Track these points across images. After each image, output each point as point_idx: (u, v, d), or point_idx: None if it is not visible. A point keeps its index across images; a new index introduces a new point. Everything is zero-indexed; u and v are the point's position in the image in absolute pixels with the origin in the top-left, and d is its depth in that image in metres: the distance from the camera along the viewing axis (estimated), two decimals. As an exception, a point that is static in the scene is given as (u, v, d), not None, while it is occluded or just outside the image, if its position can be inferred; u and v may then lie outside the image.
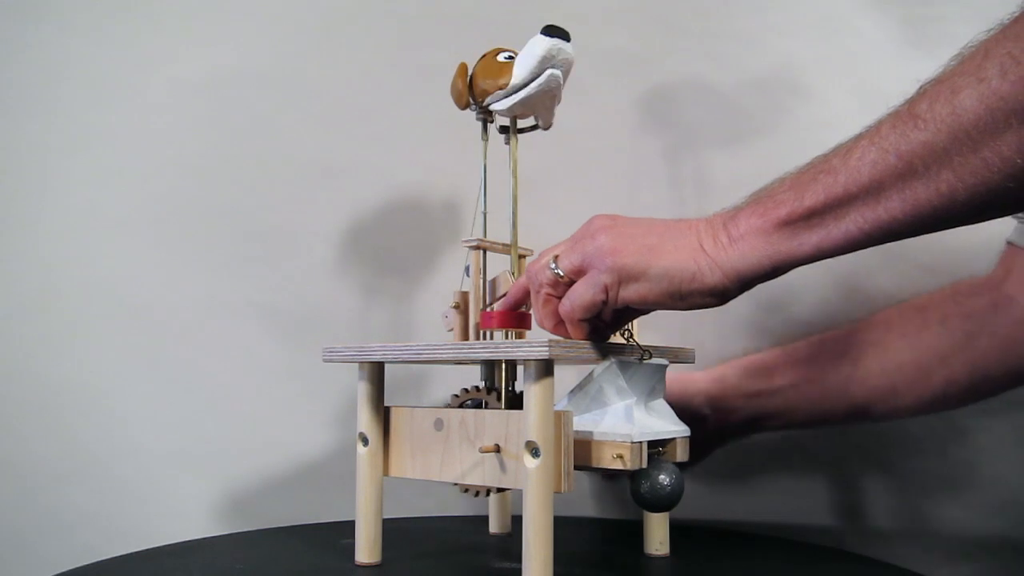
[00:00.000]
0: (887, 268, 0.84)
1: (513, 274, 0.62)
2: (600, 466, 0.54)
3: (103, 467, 0.87)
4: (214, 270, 0.90)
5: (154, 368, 0.89)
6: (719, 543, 0.75)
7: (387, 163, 0.91)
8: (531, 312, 0.58)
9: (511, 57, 0.59)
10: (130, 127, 0.91)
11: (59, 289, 0.89)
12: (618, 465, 0.53)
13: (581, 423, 0.55)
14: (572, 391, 0.57)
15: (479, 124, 0.63)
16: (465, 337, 0.61)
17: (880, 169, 0.44)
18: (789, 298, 0.86)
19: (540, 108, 0.60)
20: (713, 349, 0.82)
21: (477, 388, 0.62)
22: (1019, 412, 0.82)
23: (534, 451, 0.51)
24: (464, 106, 0.61)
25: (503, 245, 0.62)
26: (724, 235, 0.49)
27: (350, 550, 0.61)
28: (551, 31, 0.57)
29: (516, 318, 0.58)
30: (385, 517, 0.61)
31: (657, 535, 0.65)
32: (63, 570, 0.60)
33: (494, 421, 0.54)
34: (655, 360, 0.57)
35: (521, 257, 0.63)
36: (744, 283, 0.49)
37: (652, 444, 0.55)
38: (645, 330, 0.62)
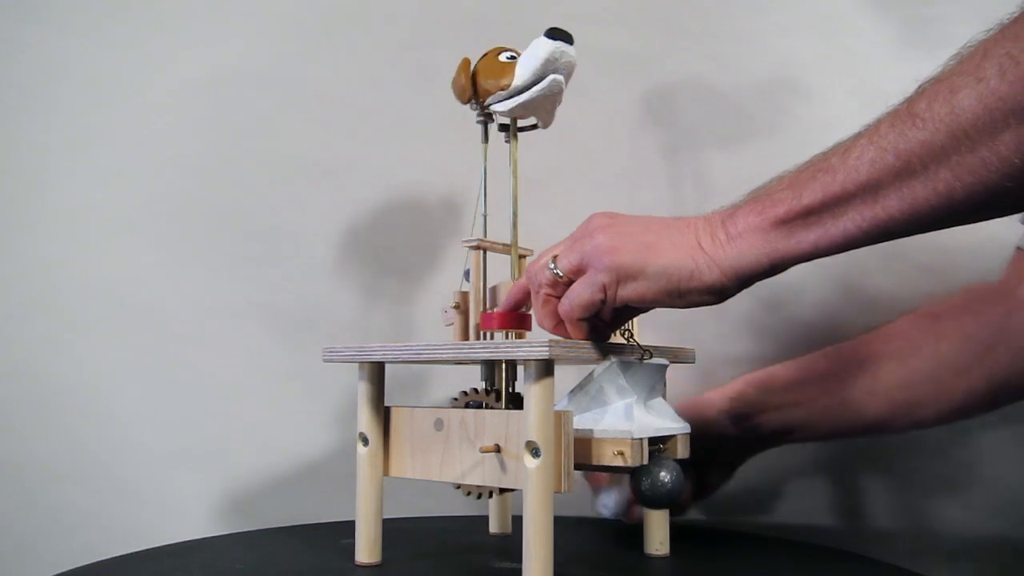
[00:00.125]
0: (887, 268, 0.84)
1: (513, 278, 0.62)
2: (601, 463, 0.54)
3: (103, 467, 0.87)
4: (214, 270, 0.90)
5: (154, 368, 0.89)
6: (719, 543, 0.75)
7: (387, 163, 0.91)
8: (531, 313, 0.58)
9: (513, 57, 0.59)
10: (130, 127, 0.91)
11: (59, 289, 0.89)
12: (619, 462, 0.53)
13: (581, 422, 0.55)
14: (572, 391, 0.57)
15: (478, 123, 0.63)
16: (465, 337, 0.61)
17: (878, 168, 0.44)
18: (789, 298, 0.86)
19: (541, 110, 0.60)
20: (713, 349, 0.82)
21: (476, 391, 0.62)
22: (1019, 413, 0.82)
23: (534, 451, 0.51)
24: (466, 101, 0.61)
25: (503, 245, 0.62)
26: (722, 233, 0.49)
27: (350, 550, 0.61)
28: (554, 34, 0.57)
29: (516, 319, 0.58)
30: (385, 517, 0.61)
31: (657, 535, 0.65)
32: (63, 570, 0.60)
33: (494, 421, 0.54)
34: (655, 360, 0.57)
35: (521, 257, 0.63)
36: (742, 281, 0.49)
37: (653, 441, 0.55)
38: (645, 330, 0.62)
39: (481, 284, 0.61)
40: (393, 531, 0.62)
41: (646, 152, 0.89)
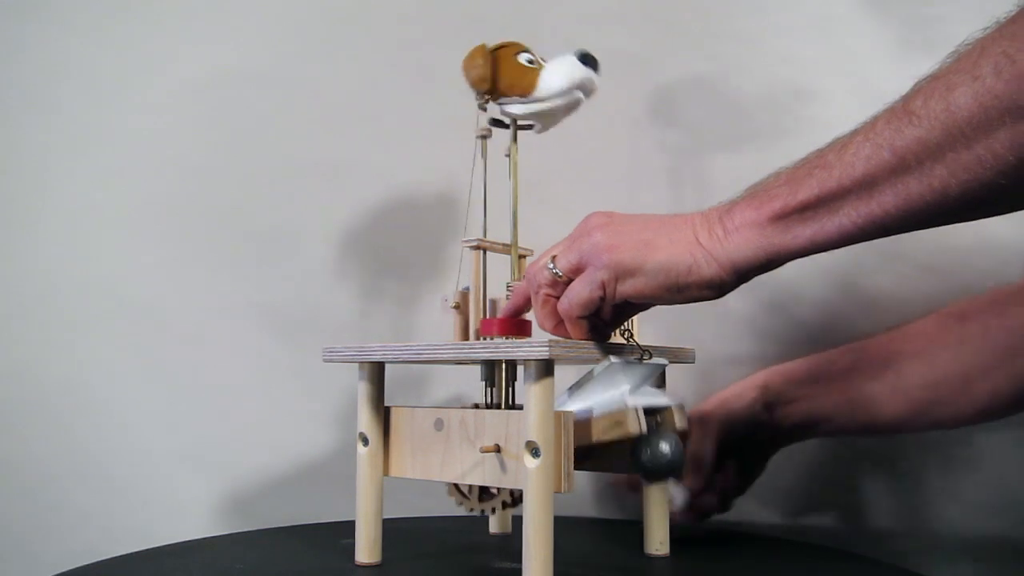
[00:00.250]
0: (886, 268, 0.84)
1: (513, 278, 0.62)
2: (602, 440, 0.55)
3: (103, 467, 0.87)
4: (214, 270, 0.90)
5: (154, 368, 0.89)
6: (719, 543, 0.75)
7: (387, 163, 0.91)
8: (531, 320, 0.59)
9: (532, 61, 0.59)
10: (130, 127, 0.91)
11: (59, 289, 0.89)
12: (618, 433, 0.53)
13: (580, 413, 0.56)
14: (570, 388, 0.57)
15: (480, 123, 0.63)
16: (465, 337, 0.61)
17: (874, 164, 0.44)
18: (789, 298, 0.86)
19: (550, 121, 0.61)
20: (713, 349, 0.82)
21: (476, 405, 0.62)
22: (1019, 413, 0.82)
23: (534, 451, 0.51)
24: (484, 91, 0.59)
25: (503, 245, 0.62)
26: (719, 228, 0.50)
27: (350, 550, 0.61)
28: (587, 60, 0.58)
29: (516, 325, 0.58)
30: (385, 517, 0.61)
31: (657, 535, 0.65)
32: (63, 570, 0.60)
33: (494, 421, 0.54)
34: (655, 360, 0.57)
35: (521, 257, 0.63)
36: (740, 275, 0.50)
37: (649, 413, 0.56)
38: (644, 329, 0.62)
39: (481, 284, 0.61)
40: (393, 531, 0.62)
41: (646, 152, 0.89)
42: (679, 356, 0.63)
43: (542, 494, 0.51)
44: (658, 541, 0.65)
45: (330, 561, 0.63)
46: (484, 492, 0.63)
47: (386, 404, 0.61)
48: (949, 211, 0.44)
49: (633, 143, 0.89)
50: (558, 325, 0.54)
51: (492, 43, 0.60)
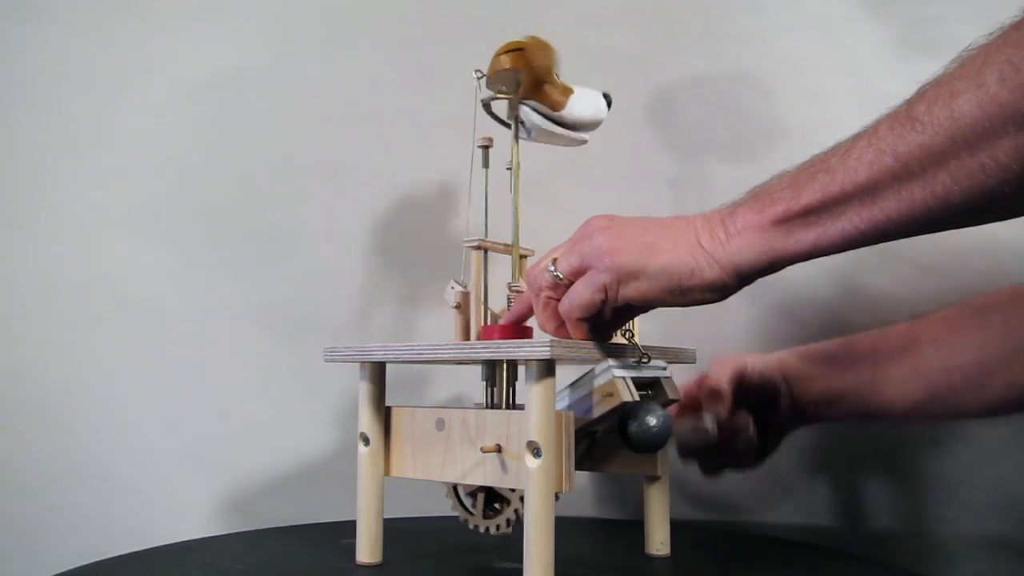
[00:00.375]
0: (887, 269, 0.84)
1: (514, 278, 0.62)
2: (597, 413, 0.55)
3: (103, 467, 0.87)
4: (215, 270, 0.90)
5: (154, 368, 0.89)
6: (719, 543, 0.75)
7: (388, 163, 0.91)
8: (532, 326, 0.59)
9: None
10: (130, 127, 0.91)
11: (59, 289, 0.89)
12: (611, 403, 0.54)
13: (579, 412, 0.56)
14: (570, 385, 0.57)
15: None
16: (466, 337, 0.61)
17: (877, 169, 0.44)
18: (790, 299, 0.86)
19: (549, 140, 0.62)
20: (713, 349, 0.82)
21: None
22: (1020, 412, 0.82)
23: (535, 451, 0.51)
24: (514, 91, 0.59)
25: (504, 245, 0.62)
26: (722, 231, 0.50)
27: (351, 550, 0.61)
28: (609, 102, 0.61)
29: (518, 332, 0.59)
30: (386, 517, 0.61)
31: (658, 535, 0.65)
32: (63, 570, 0.60)
33: (495, 421, 0.54)
34: (654, 364, 0.57)
35: (522, 257, 0.63)
36: (742, 278, 0.50)
37: (640, 388, 0.56)
38: (644, 327, 0.62)
39: (482, 284, 0.61)
40: (394, 531, 0.62)
41: (646, 152, 0.89)
42: (679, 356, 0.63)
43: (543, 494, 0.51)
44: (658, 541, 0.65)
45: (330, 561, 0.63)
46: (488, 508, 0.63)
47: (387, 404, 0.61)
48: (951, 217, 0.44)
49: (633, 143, 0.89)
50: (559, 327, 0.54)
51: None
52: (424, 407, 0.60)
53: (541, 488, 0.51)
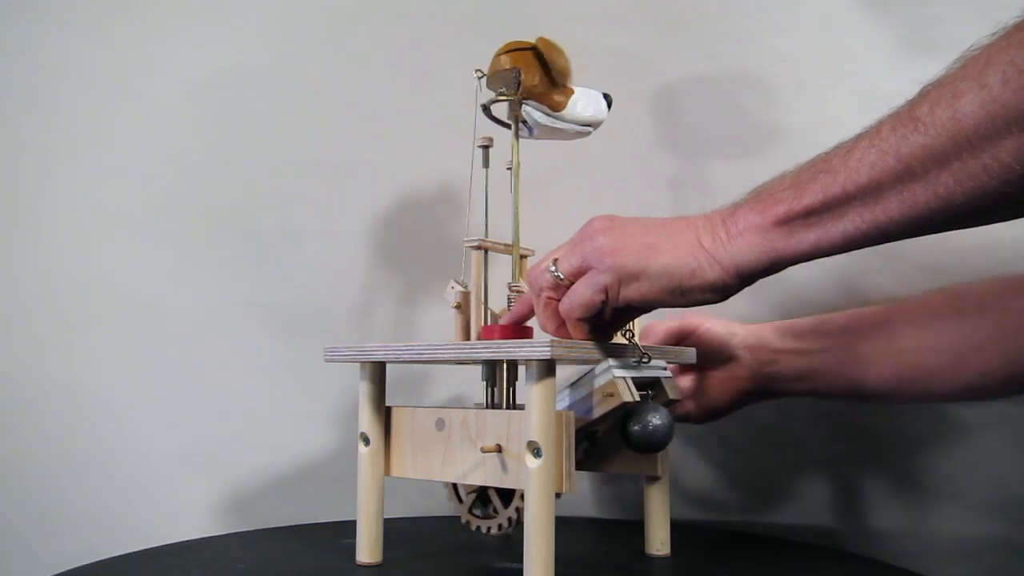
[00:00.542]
0: (887, 268, 0.84)
1: (514, 278, 0.62)
2: (597, 414, 0.55)
3: (103, 467, 0.87)
4: (215, 270, 0.90)
5: (154, 368, 0.89)
6: (719, 543, 0.75)
7: (388, 163, 0.91)
8: (533, 327, 0.59)
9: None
10: (130, 127, 0.91)
11: (59, 289, 0.89)
12: (611, 404, 0.54)
13: (579, 412, 0.57)
14: (571, 385, 0.57)
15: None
16: (466, 337, 0.61)
17: (879, 170, 0.44)
18: (789, 298, 0.86)
19: (550, 136, 0.62)
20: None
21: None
22: (1019, 412, 0.82)
23: (536, 451, 0.51)
24: (517, 91, 0.59)
25: (504, 245, 0.62)
26: (723, 231, 0.50)
27: (351, 550, 0.61)
28: (609, 103, 0.62)
29: (518, 332, 0.59)
30: (386, 517, 0.61)
31: (657, 535, 0.65)
32: (63, 570, 0.60)
33: (495, 421, 0.54)
34: (654, 364, 0.57)
35: (523, 257, 0.63)
36: (743, 278, 0.50)
37: (640, 388, 0.56)
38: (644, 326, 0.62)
39: (482, 284, 0.61)
40: (394, 531, 0.62)
41: (646, 152, 0.89)
42: (679, 356, 0.63)
43: (543, 494, 0.51)
44: (658, 541, 0.65)
45: (330, 561, 0.63)
46: (489, 508, 0.63)
47: (387, 404, 0.61)
48: (954, 218, 0.44)
49: (633, 143, 0.89)
50: (560, 327, 0.54)
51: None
52: (424, 407, 0.60)
53: (541, 488, 0.51)
